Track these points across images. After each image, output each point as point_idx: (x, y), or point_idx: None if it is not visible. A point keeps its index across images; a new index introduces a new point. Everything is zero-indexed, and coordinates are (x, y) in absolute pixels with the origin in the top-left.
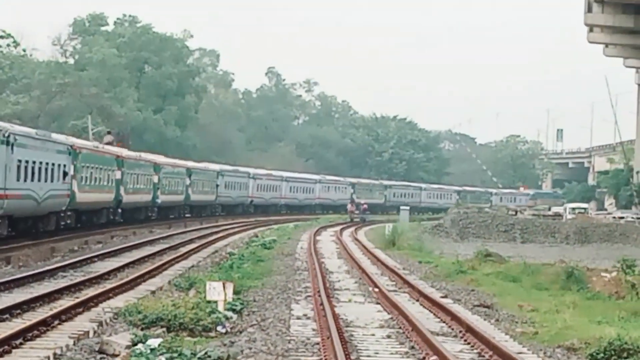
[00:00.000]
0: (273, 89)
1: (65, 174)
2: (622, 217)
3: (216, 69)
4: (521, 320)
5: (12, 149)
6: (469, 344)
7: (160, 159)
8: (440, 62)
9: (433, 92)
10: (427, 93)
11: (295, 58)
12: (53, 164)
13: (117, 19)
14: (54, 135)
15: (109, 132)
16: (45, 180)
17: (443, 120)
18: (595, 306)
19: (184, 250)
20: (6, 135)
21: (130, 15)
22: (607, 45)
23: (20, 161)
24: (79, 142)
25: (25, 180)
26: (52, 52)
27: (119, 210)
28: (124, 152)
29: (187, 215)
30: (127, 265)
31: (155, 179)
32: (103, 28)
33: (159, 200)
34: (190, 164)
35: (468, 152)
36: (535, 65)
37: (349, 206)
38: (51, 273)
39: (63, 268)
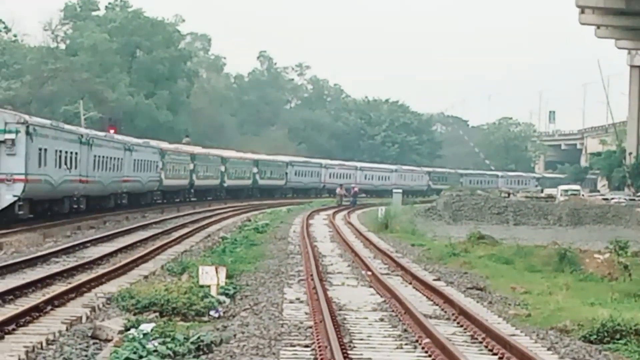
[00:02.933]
0: (265, 73)
1: (157, 166)
2: (613, 199)
3: (208, 54)
4: (514, 303)
5: (132, 153)
6: (461, 326)
7: (226, 153)
8: (433, 45)
9: (425, 74)
10: (419, 76)
11: (287, 42)
12: (150, 161)
13: (109, 3)
14: (151, 142)
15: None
16: (147, 171)
17: (435, 103)
18: (588, 288)
19: (176, 235)
20: (128, 146)
21: (121, 0)
22: (598, 26)
23: (135, 160)
24: (165, 145)
25: (137, 171)
26: (43, 38)
27: (192, 191)
28: (197, 149)
29: (256, 195)
30: (120, 250)
31: (223, 168)
32: (94, 13)
33: (225, 184)
34: (257, 156)
35: (460, 134)
36: (527, 48)
37: (338, 190)
38: (44, 259)
39: (56, 254)
